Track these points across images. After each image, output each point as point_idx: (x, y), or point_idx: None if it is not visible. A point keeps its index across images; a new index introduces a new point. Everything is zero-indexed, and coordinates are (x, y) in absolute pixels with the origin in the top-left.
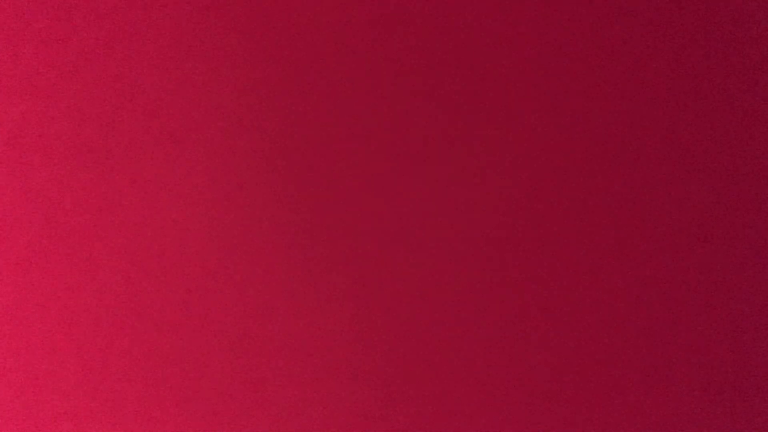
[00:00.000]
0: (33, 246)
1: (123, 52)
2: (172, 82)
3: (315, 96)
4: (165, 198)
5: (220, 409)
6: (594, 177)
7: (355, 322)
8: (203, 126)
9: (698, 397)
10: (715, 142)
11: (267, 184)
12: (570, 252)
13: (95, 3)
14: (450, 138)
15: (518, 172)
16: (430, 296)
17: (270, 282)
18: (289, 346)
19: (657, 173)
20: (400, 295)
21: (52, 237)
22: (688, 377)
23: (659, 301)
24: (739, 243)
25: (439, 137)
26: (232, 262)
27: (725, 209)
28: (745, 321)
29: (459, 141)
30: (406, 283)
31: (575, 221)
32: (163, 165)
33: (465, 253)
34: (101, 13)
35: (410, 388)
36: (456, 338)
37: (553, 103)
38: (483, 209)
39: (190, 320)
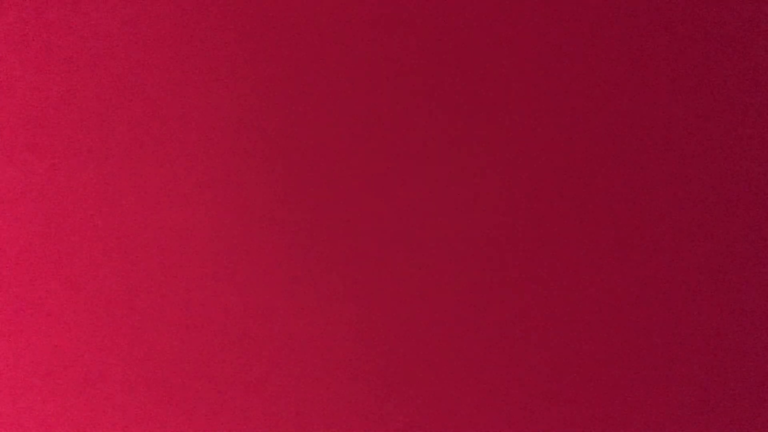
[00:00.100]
0: (33, 246)
1: (123, 52)
2: (172, 82)
3: (315, 96)
4: (164, 198)
5: (219, 409)
6: (594, 177)
7: (355, 322)
8: (203, 126)
9: (698, 397)
10: (715, 142)
11: (267, 184)
12: (570, 252)
13: (95, 3)
14: (450, 138)
15: (518, 172)
16: (430, 296)
17: (270, 282)
18: (288, 346)
19: (657, 173)
20: (400, 295)
21: (52, 237)
22: (689, 377)
23: (659, 301)
24: (739, 243)
25: (439, 137)
26: (232, 262)
27: (725, 209)
28: (745, 321)
29: (459, 141)
30: (406, 282)
31: (575, 221)
32: (162, 165)
33: (465, 253)
34: (101, 13)
35: (410, 388)
36: (456, 338)
37: (552, 103)
38: (483, 209)
39: (189, 320)
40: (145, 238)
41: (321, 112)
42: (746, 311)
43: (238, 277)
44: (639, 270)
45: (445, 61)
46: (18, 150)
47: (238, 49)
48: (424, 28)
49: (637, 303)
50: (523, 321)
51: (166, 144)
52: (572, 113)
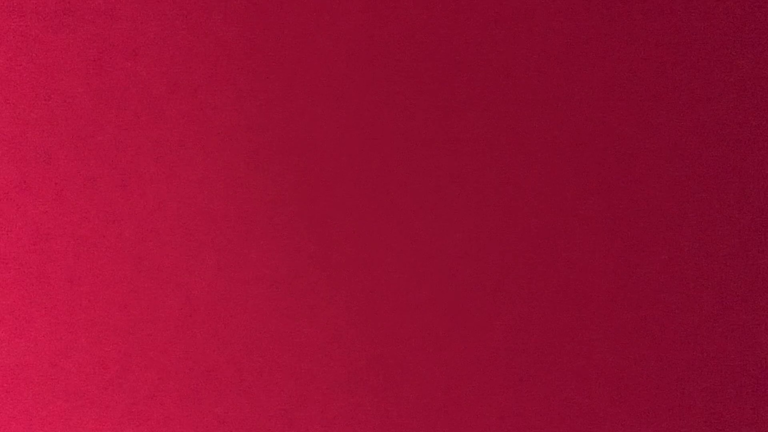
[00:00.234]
0: (33, 246)
1: (123, 52)
2: (172, 82)
3: (315, 96)
4: (164, 198)
5: (219, 408)
6: (594, 177)
7: (355, 322)
8: (203, 126)
9: (699, 397)
10: (715, 142)
11: (266, 184)
12: (569, 252)
13: (95, 3)
14: (450, 138)
15: (518, 173)
16: (431, 296)
17: (270, 282)
18: (288, 346)
19: (657, 173)
20: (399, 295)
21: (52, 237)
22: (689, 377)
23: (659, 301)
24: (740, 243)
25: (438, 137)
26: (232, 262)
27: (726, 209)
28: (745, 320)
29: (459, 141)
30: (406, 282)
31: (575, 221)
32: (162, 165)
33: (464, 253)
34: (101, 13)
35: (410, 388)
36: (456, 339)
37: (552, 103)
38: (482, 209)
39: (189, 320)
40: (144, 238)
41: (321, 112)
42: (746, 311)
43: (238, 277)
44: (639, 270)
45: (445, 61)
46: (18, 150)
47: (239, 49)
48: (423, 28)
49: (638, 303)
50: (523, 322)
51: (165, 144)
52: (572, 113)
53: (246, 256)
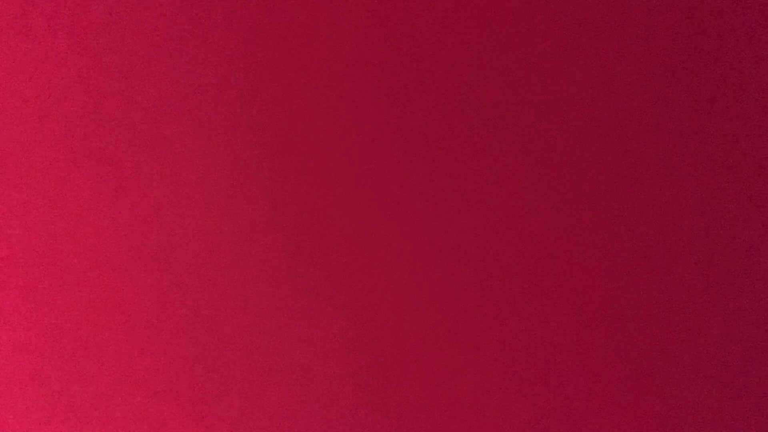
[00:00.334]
0: (33, 246)
1: (122, 52)
2: (172, 82)
3: (315, 96)
4: (165, 198)
5: (219, 410)
6: (594, 177)
7: (356, 321)
8: (203, 126)
9: (698, 397)
10: (715, 142)
11: (267, 184)
12: (571, 252)
13: (95, 2)
14: (450, 138)
15: (518, 172)
16: (431, 296)
17: (269, 282)
18: (289, 345)
19: (657, 173)
20: (400, 294)
21: (51, 237)
22: (688, 377)
23: (659, 301)
24: (740, 243)
25: (439, 137)
26: (231, 263)
27: (725, 209)
28: (745, 320)
29: (459, 141)
30: (406, 282)
31: (575, 221)
32: (163, 165)
33: (465, 253)
34: (101, 12)
35: (411, 388)
36: (456, 338)
37: (552, 103)
38: (483, 209)
39: (188, 320)
40: (143, 238)
41: (322, 112)
42: (746, 310)
43: (239, 277)
44: (639, 270)
45: (445, 61)
46: (18, 150)
47: (239, 50)
48: (423, 28)
49: (638, 303)
50: (523, 321)
51: (166, 144)
52: (572, 113)
53: (246, 256)
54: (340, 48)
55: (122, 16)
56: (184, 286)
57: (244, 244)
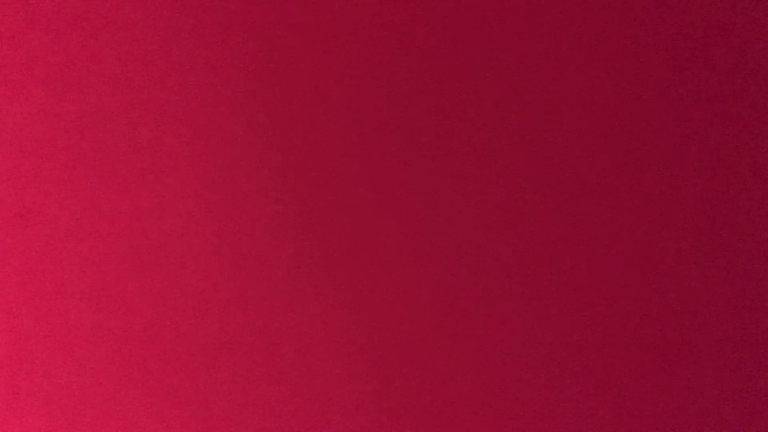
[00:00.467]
0: (33, 247)
1: (122, 52)
2: (173, 82)
3: (316, 96)
4: (165, 198)
5: (219, 410)
6: (594, 177)
7: (356, 321)
8: (203, 126)
9: (698, 397)
10: (715, 143)
11: (268, 184)
12: (571, 252)
13: (95, 2)
14: (450, 138)
15: (518, 172)
16: (431, 296)
17: (269, 282)
18: (289, 346)
19: (657, 173)
20: (400, 294)
21: (51, 237)
22: (689, 377)
23: (659, 301)
24: (740, 243)
25: (438, 137)
26: (231, 263)
27: (725, 209)
28: (745, 320)
29: (459, 141)
30: (407, 282)
31: (576, 221)
32: (163, 165)
33: (465, 253)
34: (100, 12)
35: (411, 388)
36: (456, 339)
37: (552, 103)
38: (483, 209)
39: (189, 320)
40: (144, 239)
41: (322, 112)
42: (746, 310)
43: (239, 277)
44: (640, 270)
45: (444, 61)
46: (18, 150)
47: (240, 50)
48: (422, 28)
49: (639, 303)
50: (523, 323)
51: (166, 144)
52: (572, 113)
53: (247, 256)
54: (341, 48)
55: (122, 16)
56: (184, 287)
57: (244, 245)
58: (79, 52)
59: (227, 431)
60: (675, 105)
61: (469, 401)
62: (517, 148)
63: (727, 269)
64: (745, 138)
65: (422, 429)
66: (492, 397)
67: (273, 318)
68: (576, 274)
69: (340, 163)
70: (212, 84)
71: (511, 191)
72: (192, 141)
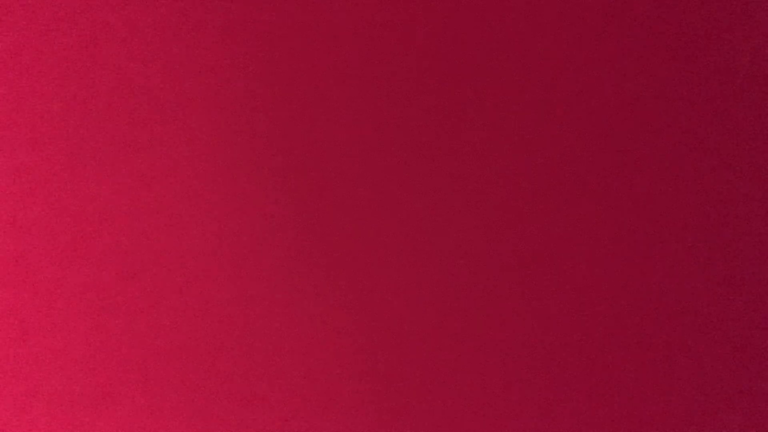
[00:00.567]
0: (33, 247)
1: (123, 53)
2: (173, 82)
3: (316, 96)
4: (165, 198)
5: (220, 410)
6: (594, 177)
7: (356, 321)
8: (203, 127)
9: (698, 397)
10: (715, 143)
11: (268, 184)
12: (571, 252)
13: (95, 2)
14: (450, 138)
15: (518, 172)
16: (431, 296)
17: (269, 283)
18: (289, 346)
19: (657, 173)
20: (400, 294)
21: (51, 237)
22: (689, 378)
23: (660, 301)
24: (740, 243)
25: (438, 137)
26: (232, 263)
27: (725, 209)
28: (745, 320)
29: (459, 141)
30: (407, 282)
31: (576, 221)
32: (163, 165)
33: (465, 253)
34: (100, 12)
35: (411, 388)
36: (457, 339)
37: (552, 103)
38: (483, 209)
39: (189, 320)
40: (143, 239)
41: (322, 112)
42: (746, 310)
43: (236, 277)
44: (640, 270)
45: (444, 61)
46: (18, 150)
47: (239, 51)
48: (422, 28)
49: (639, 304)
50: (523, 323)
51: (166, 144)
52: (572, 113)
53: (246, 256)
54: (341, 48)
55: (122, 16)
56: (184, 287)
57: (244, 245)
58: (80, 52)
59: (227, 431)
60: (675, 105)
61: (469, 401)
62: (517, 148)
63: (727, 269)
64: (745, 138)
65: (422, 429)
66: (492, 397)
67: (273, 318)
68: (576, 274)
69: (340, 163)
70: (212, 84)
71: (511, 191)
72: (192, 141)
